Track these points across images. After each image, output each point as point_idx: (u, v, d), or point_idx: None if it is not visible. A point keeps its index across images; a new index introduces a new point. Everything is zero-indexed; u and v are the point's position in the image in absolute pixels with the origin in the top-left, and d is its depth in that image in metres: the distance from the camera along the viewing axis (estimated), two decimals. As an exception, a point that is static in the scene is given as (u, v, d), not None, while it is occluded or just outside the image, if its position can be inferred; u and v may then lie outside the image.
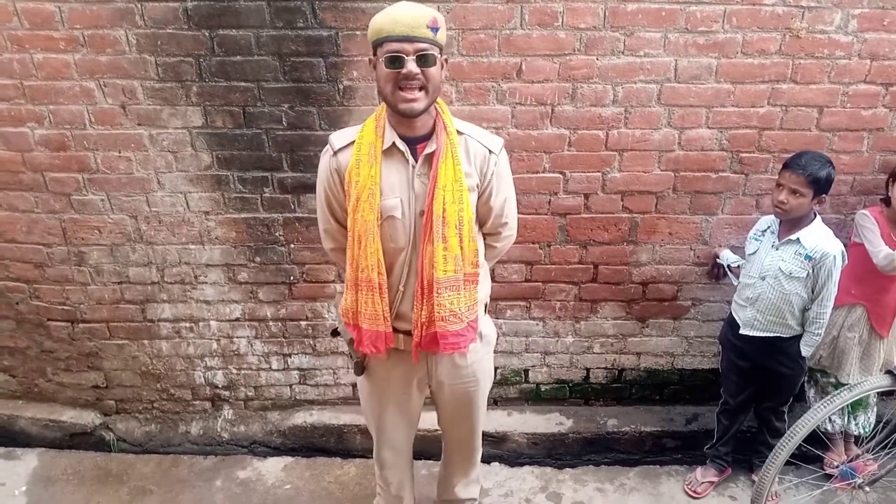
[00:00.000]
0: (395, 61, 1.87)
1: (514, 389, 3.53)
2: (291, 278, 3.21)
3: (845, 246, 2.84)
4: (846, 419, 3.15)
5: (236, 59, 2.80)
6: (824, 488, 2.89)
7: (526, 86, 2.87)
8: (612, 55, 2.82)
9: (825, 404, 2.55)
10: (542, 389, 3.53)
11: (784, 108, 2.92)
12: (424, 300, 2.08)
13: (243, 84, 2.84)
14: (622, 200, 3.09)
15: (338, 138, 2.10)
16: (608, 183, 3.05)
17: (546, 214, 3.11)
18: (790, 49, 2.81)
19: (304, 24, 2.74)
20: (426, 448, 3.18)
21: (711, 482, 3.20)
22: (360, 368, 2.34)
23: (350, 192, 2.04)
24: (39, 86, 2.83)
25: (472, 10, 2.72)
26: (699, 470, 3.25)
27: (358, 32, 2.75)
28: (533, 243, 3.16)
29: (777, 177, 2.81)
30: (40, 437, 3.47)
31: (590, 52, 2.81)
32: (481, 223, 2.22)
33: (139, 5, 2.70)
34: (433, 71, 1.91)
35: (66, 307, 3.27)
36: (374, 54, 1.94)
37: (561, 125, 2.94)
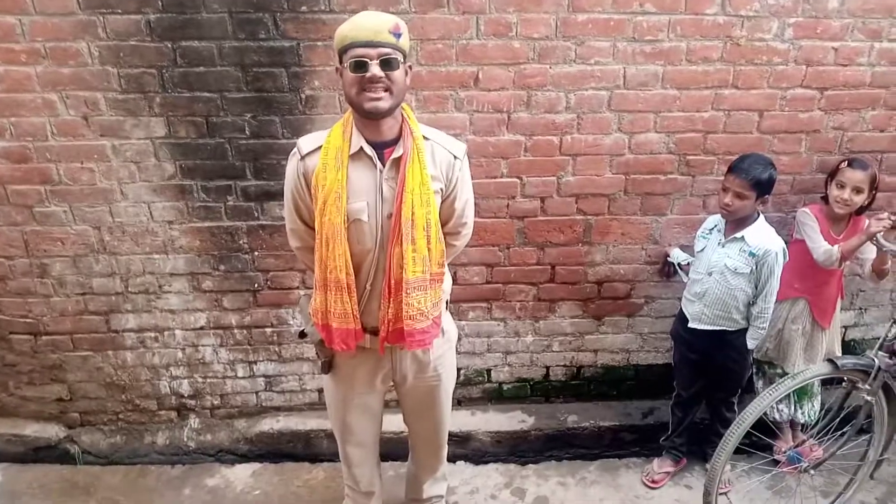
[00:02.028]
0: (360, 66, 1.93)
1: (477, 389, 3.60)
2: (256, 286, 3.25)
3: (787, 243, 2.99)
4: (793, 408, 3.30)
5: (199, 70, 2.84)
6: (773, 473, 3.02)
7: (483, 94, 2.96)
8: (565, 63, 2.93)
9: (770, 392, 2.68)
10: (505, 388, 3.61)
11: (727, 112, 3.06)
12: (391, 298, 2.14)
13: (206, 94, 2.88)
14: (576, 203, 3.20)
15: (305, 143, 2.14)
16: (563, 186, 3.16)
17: (505, 218, 3.20)
18: (731, 56, 2.96)
19: (267, 36, 2.80)
20: (393, 449, 3.23)
21: (668, 472, 3.32)
22: (328, 367, 2.39)
23: (317, 195, 2.07)
24: (0, 98, 2.83)
25: (429, 20, 2.81)
26: (656, 461, 3.37)
27: (319, 43, 2.82)
28: (493, 246, 3.25)
29: (722, 179, 2.94)
30: (3, 452, 3.42)
31: (543, 60, 2.92)
32: (443, 223, 2.27)
33: (101, 18, 2.72)
34: (397, 74, 1.97)
35: (28, 320, 3.25)
36: (341, 62, 2.00)
37: (517, 131, 3.04)
